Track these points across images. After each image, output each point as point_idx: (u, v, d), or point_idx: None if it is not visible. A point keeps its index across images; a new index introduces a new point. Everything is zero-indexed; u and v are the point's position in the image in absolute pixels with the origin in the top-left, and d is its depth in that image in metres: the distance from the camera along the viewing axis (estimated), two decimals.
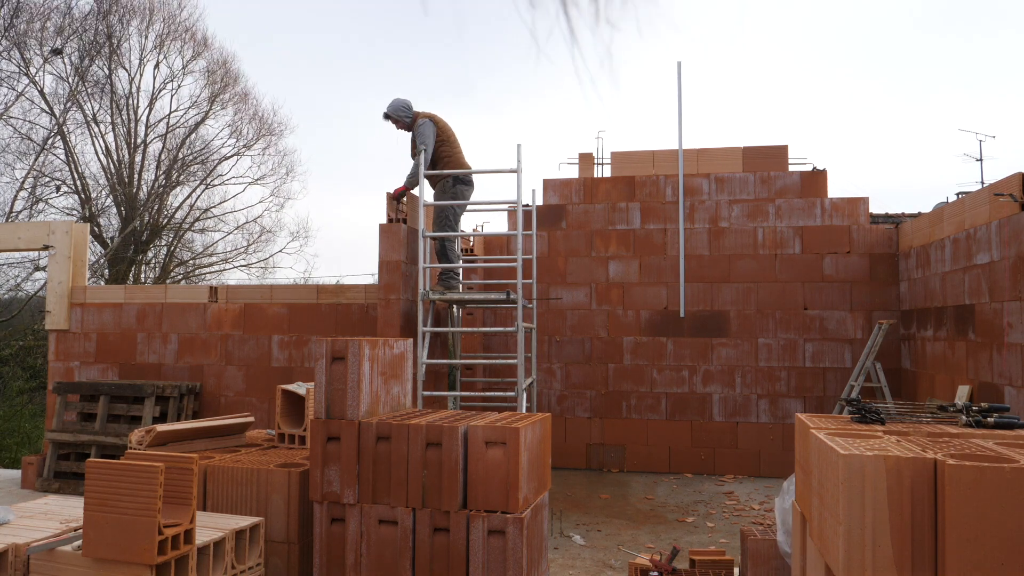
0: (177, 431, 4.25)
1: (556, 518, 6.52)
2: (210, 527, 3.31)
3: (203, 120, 19.87)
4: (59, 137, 17.68)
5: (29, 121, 17.44)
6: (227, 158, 20.47)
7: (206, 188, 20.51)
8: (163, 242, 20.15)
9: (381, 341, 3.66)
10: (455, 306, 7.18)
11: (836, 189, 27.00)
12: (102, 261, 18.02)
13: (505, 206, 8.55)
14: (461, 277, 7.14)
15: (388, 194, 6.54)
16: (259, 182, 21.18)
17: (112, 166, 18.74)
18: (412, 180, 6.53)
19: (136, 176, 18.97)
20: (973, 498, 1.73)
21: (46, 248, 8.35)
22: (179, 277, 20.56)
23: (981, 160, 15.48)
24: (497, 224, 19.79)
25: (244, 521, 3.43)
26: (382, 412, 3.67)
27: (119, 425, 7.47)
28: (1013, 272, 5.67)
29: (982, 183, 14.49)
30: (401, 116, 6.75)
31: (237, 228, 21.13)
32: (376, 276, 7.21)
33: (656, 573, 3.84)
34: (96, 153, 20.67)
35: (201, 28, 20.36)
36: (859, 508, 1.83)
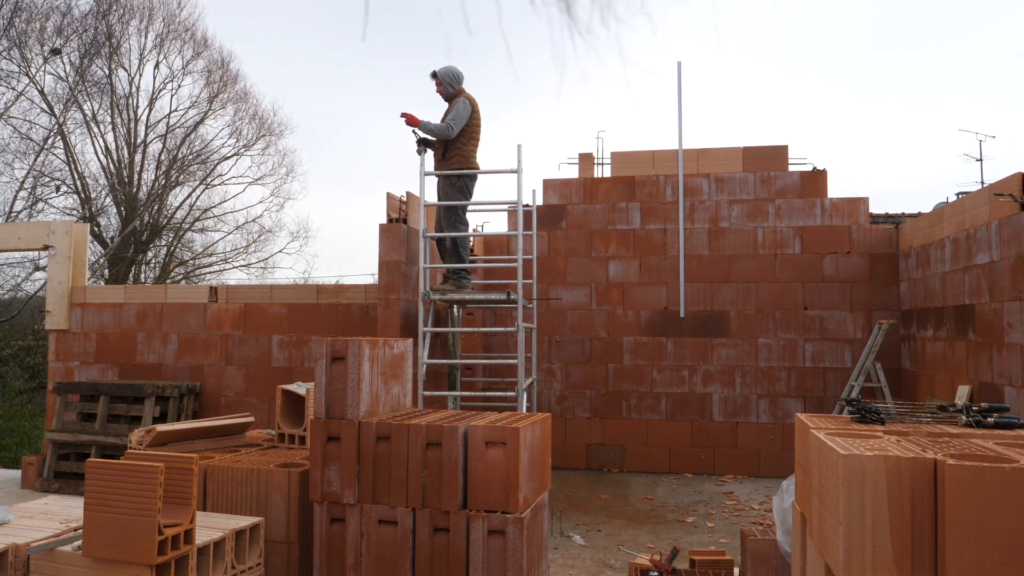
0: (177, 431, 4.25)
1: (556, 518, 6.52)
2: (210, 527, 3.31)
3: (203, 120, 19.88)
4: (59, 137, 17.69)
5: (29, 121, 17.46)
6: (227, 158, 20.48)
7: (206, 188, 20.54)
8: (163, 242, 20.16)
9: (381, 341, 3.66)
10: (455, 306, 7.17)
11: (836, 189, 27.01)
12: (102, 261, 18.02)
13: (505, 206, 8.55)
14: (471, 276, 7.09)
15: (403, 116, 6.30)
16: (259, 182, 21.20)
17: (112, 166, 18.75)
18: (425, 129, 6.32)
19: (136, 176, 18.97)
20: (973, 498, 1.73)
21: (46, 248, 8.35)
22: (179, 277, 20.56)
23: (981, 160, 15.49)
24: (497, 224, 19.82)
25: (244, 521, 3.43)
26: (382, 412, 3.67)
27: (119, 425, 7.47)
28: (1013, 272, 5.67)
29: (982, 183, 14.50)
30: (448, 82, 6.54)
31: (237, 228, 21.15)
32: (376, 276, 7.21)
33: (656, 573, 3.84)
34: (96, 153, 20.70)
35: (201, 28, 20.37)
36: (859, 508, 1.83)
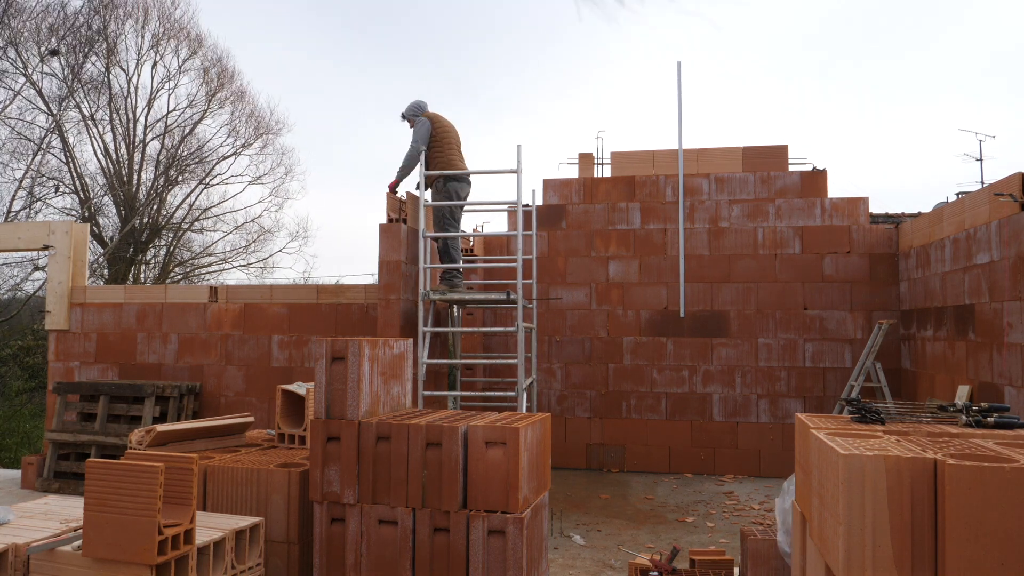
0: (177, 431, 4.25)
1: (556, 518, 6.52)
2: (210, 527, 3.31)
3: (200, 119, 19.87)
4: (57, 136, 17.68)
5: (26, 121, 17.45)
6: (225, 157, 20.47)
7: (205, 188, 20.53)
8: (162, 242, 20.15)
9: (381, 341, 3.66)
10: (455, 306, 7.18)
11: (836, 189, 26.98)
12: (101, 260, 18.02)
13: (505, 206, 8.55)
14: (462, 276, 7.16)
15: (388, 190, 6.65)
16: (258, 181, 21.18)
17: (111, 166, 18.74)
18: (401, 172, 6.72)
19: (135, 175, 18.97)
20: (973, 498, 1.73)
21: (46, 248, 8.35)
22: (178, 277, 20.56)
23: (981, 160, 15.48)
24: (497, 224, 19.80)
25: (244, 521, 3.43)
26: (382, 412, 3.67)
27: (119, 425, 7.47)
28: (1013, 272, 5.67)
29: (982, 183, 14.50)
30: (411, 115, 6.99)
31: (236, 228, 21.14)
32: (376, 276, 7.22)
33: (656, 573, 3.84)
34: (95, 152, 20.70)
35: (195, 26, 20.36)
36: (859, 508, 1.83)
